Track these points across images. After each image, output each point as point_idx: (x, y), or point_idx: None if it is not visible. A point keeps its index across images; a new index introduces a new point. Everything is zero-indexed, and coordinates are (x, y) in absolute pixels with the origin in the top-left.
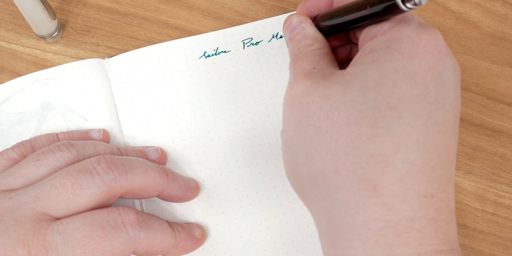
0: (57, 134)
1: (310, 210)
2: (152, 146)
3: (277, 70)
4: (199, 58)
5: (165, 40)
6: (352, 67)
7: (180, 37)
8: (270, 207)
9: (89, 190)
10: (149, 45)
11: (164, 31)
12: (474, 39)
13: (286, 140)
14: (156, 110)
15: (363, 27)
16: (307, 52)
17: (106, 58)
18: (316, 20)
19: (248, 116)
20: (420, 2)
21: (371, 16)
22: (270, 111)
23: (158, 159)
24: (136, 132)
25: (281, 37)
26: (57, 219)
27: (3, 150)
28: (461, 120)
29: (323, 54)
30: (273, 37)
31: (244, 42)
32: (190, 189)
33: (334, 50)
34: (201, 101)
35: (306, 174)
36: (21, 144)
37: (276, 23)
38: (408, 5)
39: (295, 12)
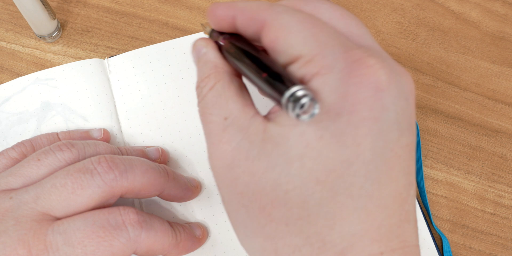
0: (57, 134)
1: None
2: (152, 146)
3: None
4: None
5: (165, 40)
6: (272, 128)
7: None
8: None
9: (89, 190)
10: (149, 45)
11: (164, 31)
12: (474, 39)
13: (227, 213)
14: (156, 110)
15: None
16: (209, 98)
17: (106, 58)
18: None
19: None
20: (312, 115)
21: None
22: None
23: (158, 159)
24: (136, 132)
25: None
26: (58, 219)
27: (4, 150)
28: (461, 120)
29: (226, 87)
30: None
31: None
32: (190, 189)
33: None
34: None
35: (249, 250)
36: (22, 143)
37: None
38: (292, 113)
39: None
